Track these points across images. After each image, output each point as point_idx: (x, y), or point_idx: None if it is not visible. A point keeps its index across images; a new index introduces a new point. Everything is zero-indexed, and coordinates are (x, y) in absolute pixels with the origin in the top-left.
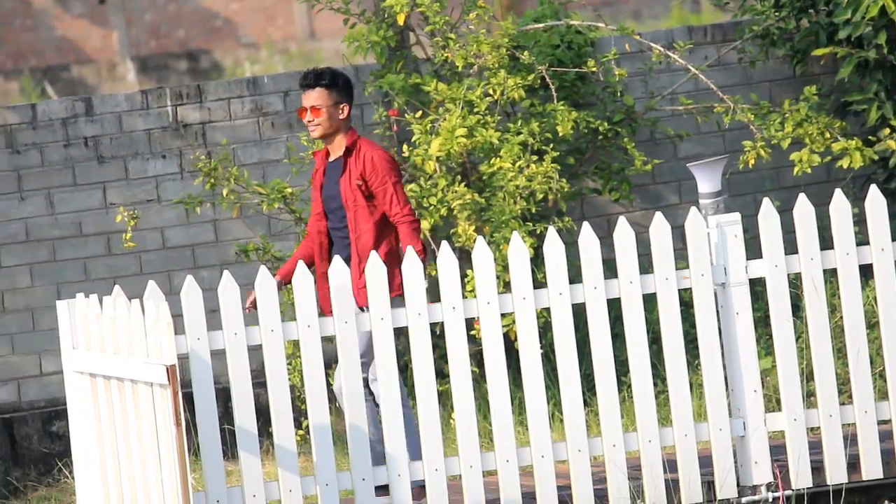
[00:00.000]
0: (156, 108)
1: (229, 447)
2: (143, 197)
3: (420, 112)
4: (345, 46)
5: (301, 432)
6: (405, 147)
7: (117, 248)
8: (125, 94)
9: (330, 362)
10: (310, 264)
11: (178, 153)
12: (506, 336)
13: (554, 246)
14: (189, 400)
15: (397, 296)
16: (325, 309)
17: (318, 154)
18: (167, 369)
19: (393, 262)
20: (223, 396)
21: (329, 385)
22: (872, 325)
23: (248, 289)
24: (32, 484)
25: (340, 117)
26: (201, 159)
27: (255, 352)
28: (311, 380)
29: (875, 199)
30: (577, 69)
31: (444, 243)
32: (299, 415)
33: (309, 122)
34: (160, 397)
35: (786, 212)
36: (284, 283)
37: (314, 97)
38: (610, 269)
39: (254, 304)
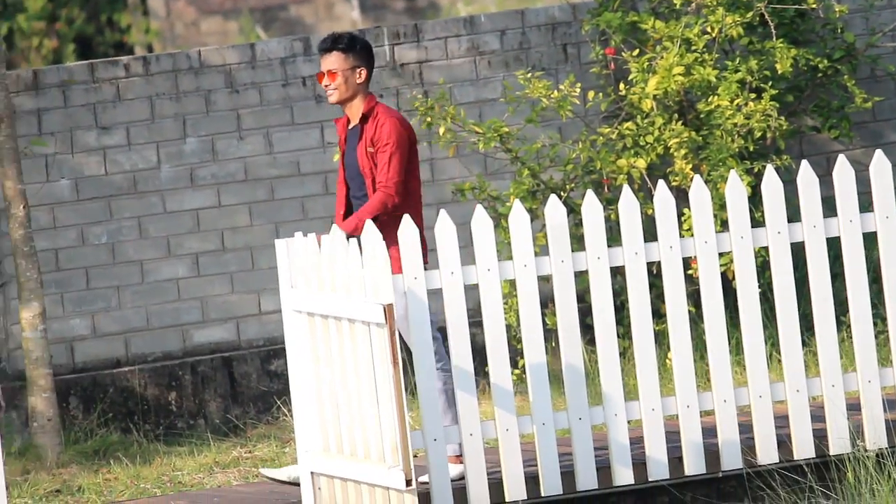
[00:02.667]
0: (373, 48)
1: None
2: None
3: (637, 50)
4: None
5: (517, 371)
6: (622, 85)
7: (334, 187)
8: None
9: (546, 301)
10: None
11: (395, 92)
12: (723, 275)
13: (772, 184)
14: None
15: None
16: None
17: (339, 121)
18: (384, 308)
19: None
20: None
21: (545, 325)
22: None
23: (464, 228)
24: (252, 422)
25: (357, 82)
26: (418, 98)
27: (472, 291)
28: (527, 319)
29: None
30: (796, 6)
31: (661, 182)
32: (515, 354)
33: (326, 86)
34: (377, 337)
35: None
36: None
37: (331, 61)
38: (830, 207)
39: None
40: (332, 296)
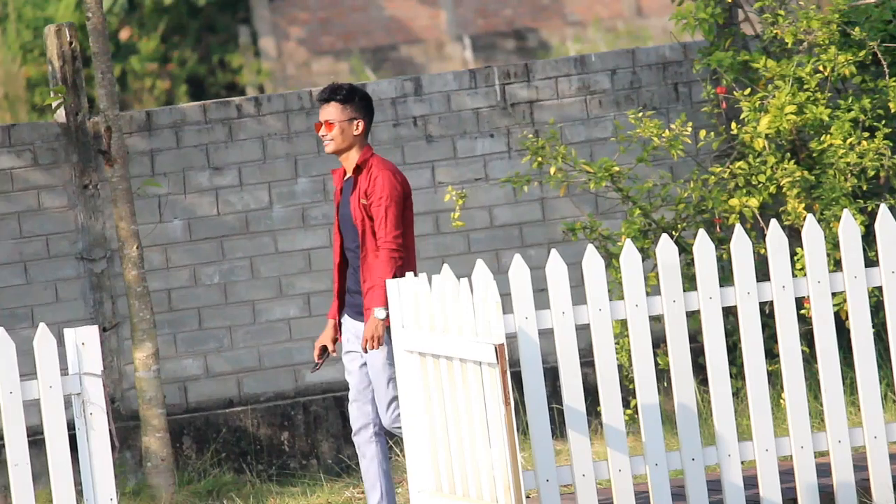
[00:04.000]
0: (484, 87)
1: (557, 426)
2: (471, 176)
3: (748, 89)
4: (672, 24)
5: (629, 412)
6: (733, 124)
7: (445, 227)
8: (453, 74)
9: (657, 341)
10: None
11: (505, 132)
12: (836, 315)
13: (886, 223)
14: (517, 379)
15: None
16: (334, 329)
17: (335, 172)
18: (496, 348)
19: None
20: (551, 375)
21: (657, 364)
22: None
23: (575, 267)
24: None
25: (354, 133)
26: (529, 138)
27: (583, 331)
28: (639, 359)
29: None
30: None
31: (773, 221)
32: (627, 394)
33: (323, 136)
34: (489, 376)
35: None
36: (338, 321)
37: (328, 111)
38: None
39: (319, 357)
40: (442, 336)
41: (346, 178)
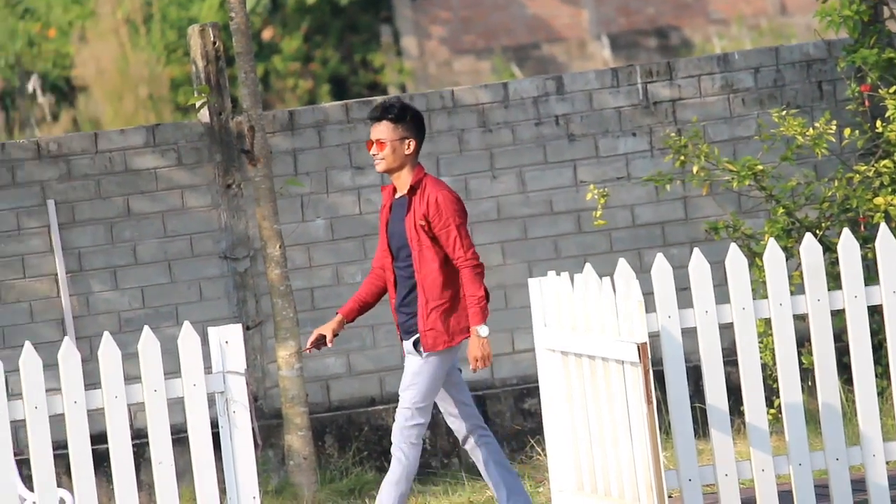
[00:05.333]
0: (626, 86)
1: (700, 425)
2: (613, 174)
3: (894, 87)
4: (816, 21)
5: (772, 411)
6: (878, 122)
7: (587, 226)
8: (595, 72)
9: (801, 340)
10: (369, 303)
11: (647, 130)
12: None
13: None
14: (660, 378)
15: (460, 342)
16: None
17: (385, 189)
18: (638, 347)
19: (457, 305)
20: (693, 374)
21: (801, 364)
22: None
23: (718, 266)
24: None
25: (406, 153)
26: (671, 136)
27: (726, 329)
28: (782, 358)
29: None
30: None
31: None
32: (770, 393)
33: (374, 155)
34: (631, 375)
35: None
36: (347, 321)
37: (379, 130)
38: None
39: (314, 344)
40: (584, 335)
41: (397, 196)
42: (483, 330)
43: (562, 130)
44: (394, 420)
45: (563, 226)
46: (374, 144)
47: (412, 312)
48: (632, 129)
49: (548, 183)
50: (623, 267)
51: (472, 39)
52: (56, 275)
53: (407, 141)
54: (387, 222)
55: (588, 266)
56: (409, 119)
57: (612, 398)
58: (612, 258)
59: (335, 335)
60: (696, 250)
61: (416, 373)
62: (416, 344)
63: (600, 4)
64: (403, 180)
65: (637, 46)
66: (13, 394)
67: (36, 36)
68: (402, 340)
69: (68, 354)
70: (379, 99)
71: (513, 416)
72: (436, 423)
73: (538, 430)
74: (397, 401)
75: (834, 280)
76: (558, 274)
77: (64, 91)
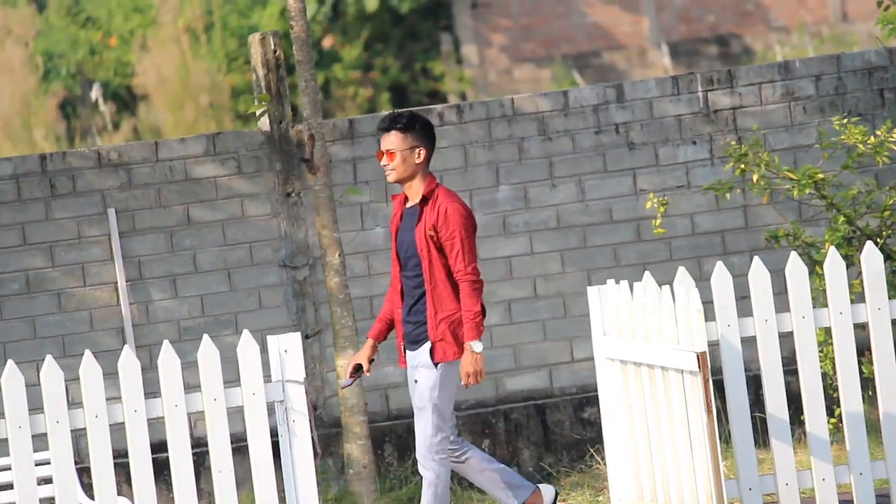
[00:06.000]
0: (686, 94)
1: (760, 435)
2: (673, 183)
3: None
4: (878, 29)
5: (833, 420)
6: None
7: (647, 235)
8: (656, 80)
9: (862, 350)
10: (393, 321)
11: (708, 139)
12: None
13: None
14: (719, 387)
15: (457, 360)
16: (400, 360)
17: (396, 198)
18: (698, 356)
19: (459, 325)
20: (753, 383)
21: (862, 373)
22: None
23: (778, 275)
24: (565, 470)
25: (416, 161)
26: (732, 145)
27: (786, 339)
28: (843, 367)
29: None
30: None
31: None
32: (831, 402)
33: (384, 165)
34: (691, 384)
35: None
36: (378, 343)
37: (389, 140)
38: None
39: (352, 375)
40: (644, 343)
41: (408, 205)
42: (477, 346)
43: (622, 139)
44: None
45: (623, 234)
46: (385, 155)
47: (419, 322)
48: (692, 138)
49: (607, 191)
50: (682, 275)
51: (532, 47)
52: (116, 283)
53: (417, 150)
54: (396, 231)
55: (647, 274)
56: (418, 128)
57: (671, 407)
58: (671, 267)
59: (371, 361)
60: (755, 259)
61: (432, 387)
62: (430, 353)
63: (661, 12)
64: (415, 189)
65: (697, 54)
66: (73, 402)
67: (97, 45)
68: (404, 352)
69: (128, 363)
70: (439, 107)
71: (572, 425)
72: (494, 433)
73: (598, 440)
74: (458, 409)
75: (894, 289)
76: (617, 282)
77: (125, 100)
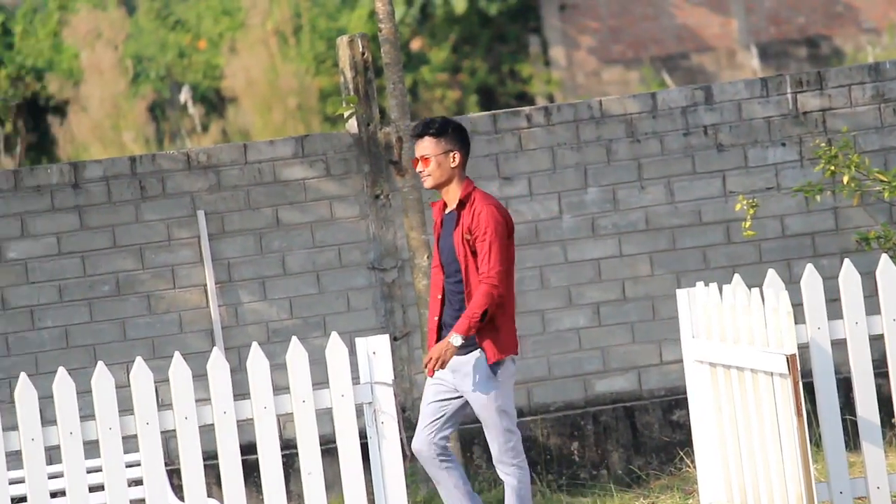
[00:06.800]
0: (775, 96)
1: (850, 438)
2: (762, 185)
3: None
4: None
5: None
6: None
7: (736, 237)
8: (745, 82)
9: None
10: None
11: (797, 140)
12: None
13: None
14: (809, 390)
15: (502, 359)
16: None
17: (435, 205)
18: (787, 359)
19: (505, 322)
20: (844, 386)
21: None
22: None
23: (869, 277)
24: (654, 472)
25: (452, 165)
26: (821, 147)
27: (876, 341)
28: None
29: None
30: None
31: None
32: None
33: (419, 172)
34: (780, 387)
35: None
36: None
37: (423, 146)
38: None
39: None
40: (733, 346)
41: (447, 211)
42: (456, 340)
43: (710, 140)
44: (543, 431)
45: (712, 236)
46: (420, 161)
47: None
48: (781, 140)
49: (696, 193)
50: (772, 277)
51: (620, 49)
52: (206, 285)
53: (451, 154)
54: (438, 238)
55: (737, 277)
56: (451, 132)
57: (761, 410)
58: (761, 269)
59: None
60: (846, 261)
61: (492, 397)
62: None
63: (750, 14)
64: (452, 194)
65: (786, 56)
66: (163, 404)
67: (186, 48)
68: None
69: (217, 365)
70: (527, 109)
71: (661, 427)
72: (583, 435)
73: (687, 442)
74: (546, 412)
75: None
76: (706, 285)
77: (213, 102)
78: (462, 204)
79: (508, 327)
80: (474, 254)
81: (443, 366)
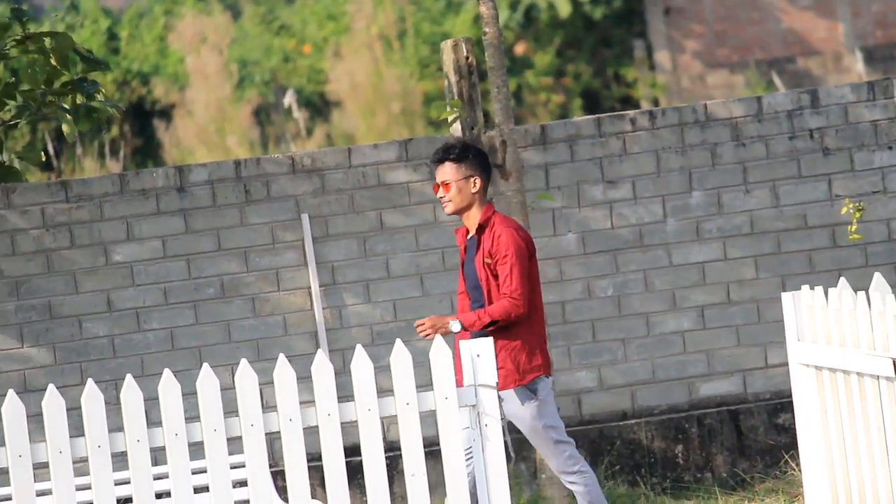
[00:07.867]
0: (882, 99)
1: None
2: (869, 188)
3: None
4: None
5: None
6: None
7: (842, 240)
8: (851, 86)
9: None
10: None
11: None
12: None
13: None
14: None
15: (533, 379)
16: (458, 380)
17: (458, 231)
18: (894, 362)
19: (533, 343)
20: None
21: None
22: None
23: None
24: (759, 476)
25: (472, 191)
26: None
27: None
28: None
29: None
30: None
31: None
32: None
33: (440, 198)
34: (887, 391)
35: None
36: None
37: (444, 172)
38: None
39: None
40: (839, 349)
41: (469, 236)
42: (455, 325)
43: (816, 144)
44: (647, 434)
45: (818, 240)
46: (441, 187)
47: None
48: (888, 143)
49: (802, 197)
50: (879, 281)
51: (725, 53)
52: (310, 288)
53: (472, 179)
54: (463, 263)
55: (843, 280)
56: (471, 157)
57: (867, 413)
58: (867, 272)
59: None
60: None
61: (534, 416)
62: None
63: (857, 18)
64: (472, 219)
65: (892, 59)
66: (268, 406)
67: (291, 52)
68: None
69: (322, 367)
70: (631, 113)
71: (766, 430)
72: (687, 438)
73: (792, 445)
74: (650, 414)
75: None
76: (812, 288)
77: (318, 106)
78: (482, 228)
79: (541, 348)
80: (496, 277)
81: (431, 334)
